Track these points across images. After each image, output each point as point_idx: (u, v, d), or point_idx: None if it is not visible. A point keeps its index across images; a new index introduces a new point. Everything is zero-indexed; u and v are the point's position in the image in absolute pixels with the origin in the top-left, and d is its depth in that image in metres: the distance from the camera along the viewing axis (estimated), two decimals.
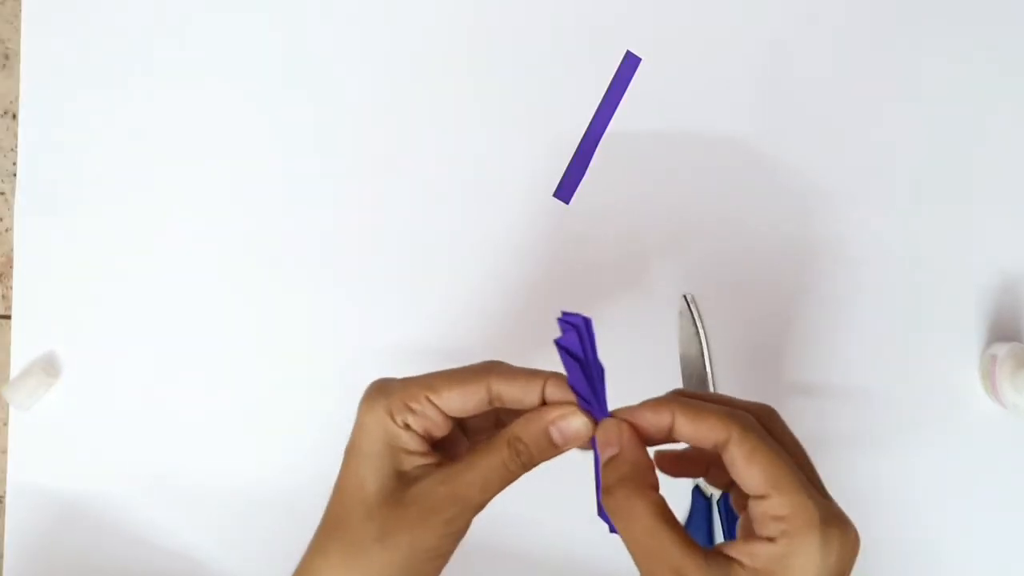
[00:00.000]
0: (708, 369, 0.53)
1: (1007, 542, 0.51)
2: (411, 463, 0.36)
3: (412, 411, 0.36)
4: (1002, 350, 0.50)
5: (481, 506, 0.36)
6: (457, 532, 0.36)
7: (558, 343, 0.35)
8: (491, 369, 0.37)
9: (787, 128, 0.55)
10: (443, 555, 0.36)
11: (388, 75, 0.57)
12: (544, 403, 0.36)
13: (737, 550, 0.33)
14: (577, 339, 0.35)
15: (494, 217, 0.56)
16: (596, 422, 0.36)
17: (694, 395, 0.36)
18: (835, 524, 0.32)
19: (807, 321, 0.54)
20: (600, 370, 0.36)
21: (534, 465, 0.36)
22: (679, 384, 0.53)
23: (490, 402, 0.37)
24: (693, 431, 0.34)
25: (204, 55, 0.58)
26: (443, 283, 0.56)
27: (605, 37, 0.56)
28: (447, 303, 0.55)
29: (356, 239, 0.56)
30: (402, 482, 0.36)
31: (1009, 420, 0.51)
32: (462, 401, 0.36)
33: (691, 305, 0.53)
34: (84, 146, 0.58)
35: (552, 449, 0.36)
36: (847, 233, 0.54)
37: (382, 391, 0.37)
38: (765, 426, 0.35)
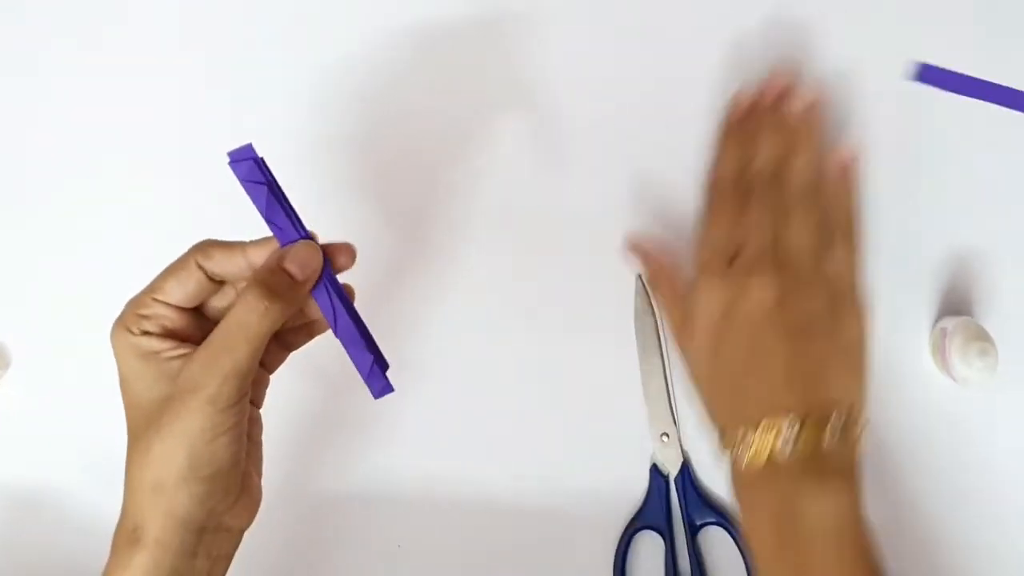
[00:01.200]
0: (662, 345, 0.53)
1: (954, 515, 0.51)
2: (166, 360, 0.38)
3: (144, 317, 0.38)
4: (952, 324, 0.50)
5: (239, 371, 0.37)
6: (228, 404, 0.37)
7: (241, 179, 0.38)
8: (195, 250, 0.39)
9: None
10: (227, 431, 0.37)
11: (329, 49, 0.57)
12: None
13: None
14: (255, 172, 0.38)
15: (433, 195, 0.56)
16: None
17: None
18: (710, 272, 0.47)
19: None
20: (282, 194, 0.39)
21: (280, 309, 0.38)
22: (636, 362, 0.53)
23: (211, 281, 0.39)
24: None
25: (133, 39, 0.57)
26: (390, 265, 0.55)
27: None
28: (395, 285, 0.55)
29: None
30: (167, 381, 0.37)
31: (959, 394, 0.51)
32: (182, 288, 0.38)
33: (645, 283, 0.53)
34: (23, 135, 0.57)
35: (295, 286, 0.38)
36: None
37: (118, 317, 0.39)
38: None
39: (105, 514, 0.52)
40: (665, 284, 0.50)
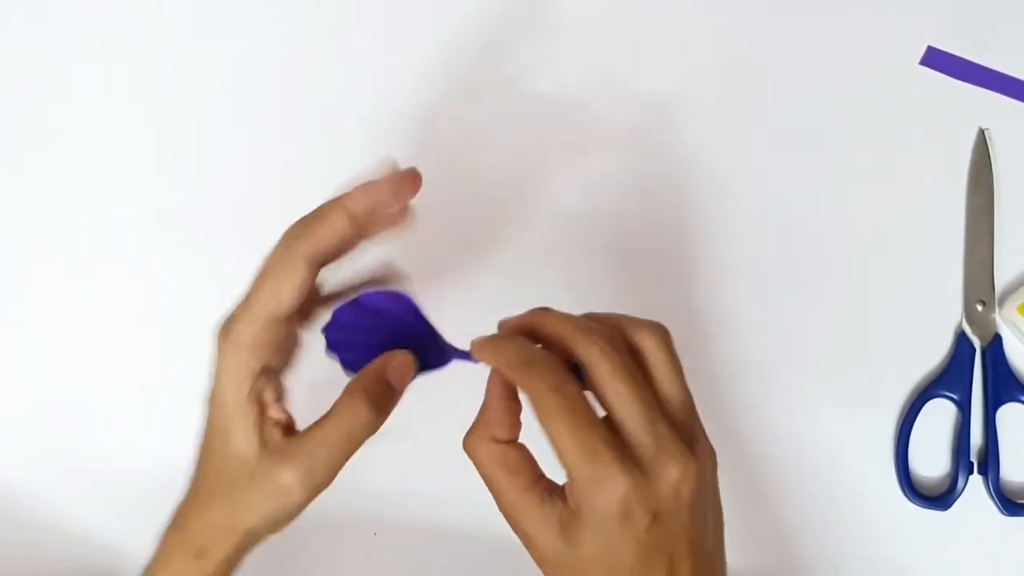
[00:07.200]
0: (994, 206, 0.49)
1: None
2: (264, 421, 0.36)
3: (264, 343, 0.35)
4: None
5: (333, 477, 0.36)
6: (305, 504, 0.36)
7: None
8: (299, 244, 0.35)
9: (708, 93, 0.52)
10: (297, 514, 0.36)
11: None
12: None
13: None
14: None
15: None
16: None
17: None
18: (602, 484, 0.32)
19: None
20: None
21: (380, 419, 0.36)
22: None
23: (314, 264, 0.35)
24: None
25: (104, 8, 0.54)
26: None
27: None
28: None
29: (269, 210, 0.51)
30: (255, 445, 0.35)
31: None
32: (294, 289, 0.35)
33: (987, 137, 0.49)
34: None
35: (394, 397, 0.36)
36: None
37: (228, 335, 0.36)
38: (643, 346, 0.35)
39: (57, 509, 0.51)
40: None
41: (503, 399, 0.35)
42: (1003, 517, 0.49)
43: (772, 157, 0.52)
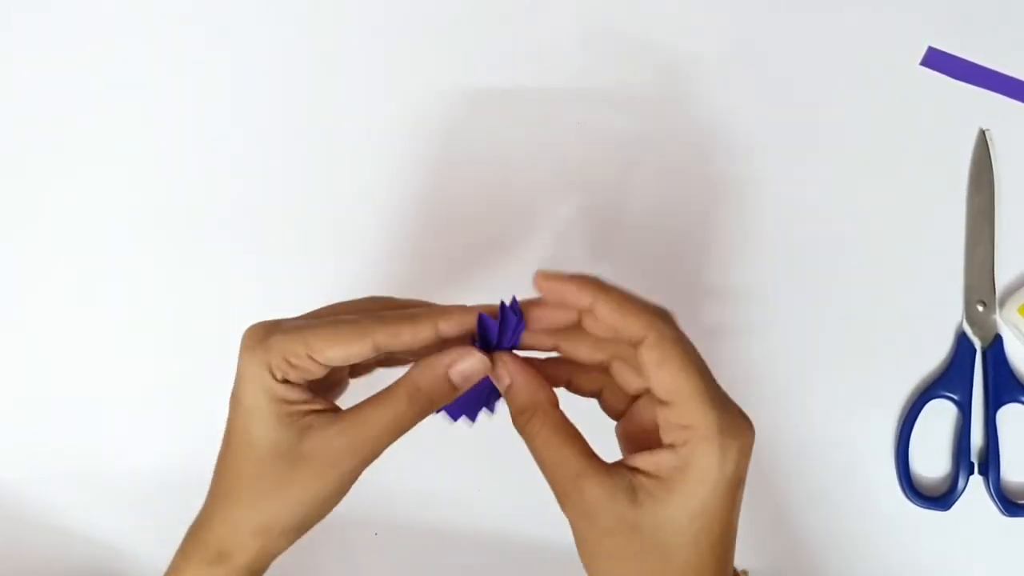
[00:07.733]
0: (995, 207, 0.49)
1: None
2: (297, 413, 0.35)
3: (292, 366, 0.35)
4: None
5: (378, 455, 0.36)
6: (353, 480, 0.36)
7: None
8: (377, 324, 0.35)
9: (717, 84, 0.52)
10: (338, 497, 0.37)
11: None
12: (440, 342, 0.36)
13: (642, 460, 0.34)
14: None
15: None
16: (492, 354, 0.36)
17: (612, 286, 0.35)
18: (732, 433, 0.32)
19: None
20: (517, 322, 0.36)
21: (433, 410, 0.36)
22: None
23: (375, 351, 0.35)
24: (613, 320, 0.34)
25: (104, 8, 0.54)
26: (348, 252, 0.52)
27: None
28: (352, 274, 0.52)
29: (269, 210, 0.53)
30: (293, 433, 0.35)
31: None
32: (344, 356, 0.35)
33: (988, 139, 0.49)
34: None
35: (453, 391, 0.36)
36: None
37: (261, 342, 0.35)
38: None
39: (57, 510, 0.51)
40: None
41: (530, 370, 0.36)
42: (1003, 518, 0.49)
43: (771, 158, 0.52)
